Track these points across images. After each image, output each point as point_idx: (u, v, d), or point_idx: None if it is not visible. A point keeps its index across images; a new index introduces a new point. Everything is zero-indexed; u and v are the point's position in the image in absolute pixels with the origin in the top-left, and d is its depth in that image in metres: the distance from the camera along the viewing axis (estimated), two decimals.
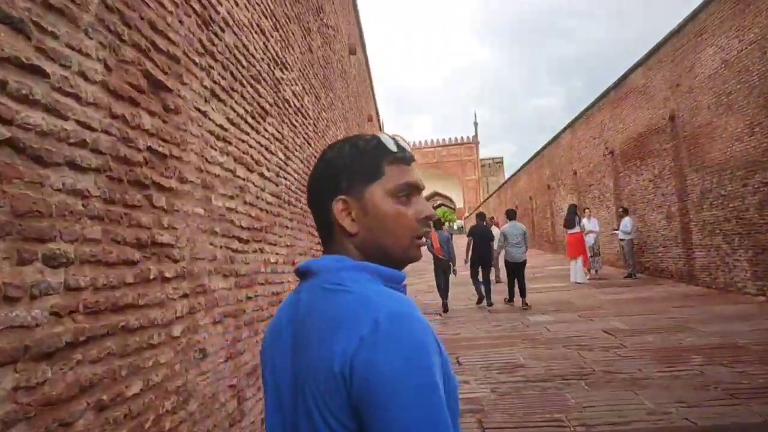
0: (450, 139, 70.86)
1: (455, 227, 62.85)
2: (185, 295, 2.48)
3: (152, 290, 2.17)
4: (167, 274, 2.30)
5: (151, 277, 2.15)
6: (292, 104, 5.14)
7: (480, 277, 10.02)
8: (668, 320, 7.41)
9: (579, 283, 12.05)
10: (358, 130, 12.02)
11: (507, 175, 61.84)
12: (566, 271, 15.09)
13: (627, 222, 12.40)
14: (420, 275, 16.11)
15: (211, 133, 2.95)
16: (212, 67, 3.01)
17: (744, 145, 8.64)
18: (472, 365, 5.74)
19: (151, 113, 2.24)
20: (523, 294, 9.53)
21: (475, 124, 71.87)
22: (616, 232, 12.56)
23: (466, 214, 61.70)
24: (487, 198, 44.96)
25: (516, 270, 9.78)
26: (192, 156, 2.66)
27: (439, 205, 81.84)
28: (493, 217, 16.41)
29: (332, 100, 8.30)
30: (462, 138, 70.83)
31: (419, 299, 11.20)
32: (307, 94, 6.04)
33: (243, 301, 3.35)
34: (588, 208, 13.29)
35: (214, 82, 3.04)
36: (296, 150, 5.26)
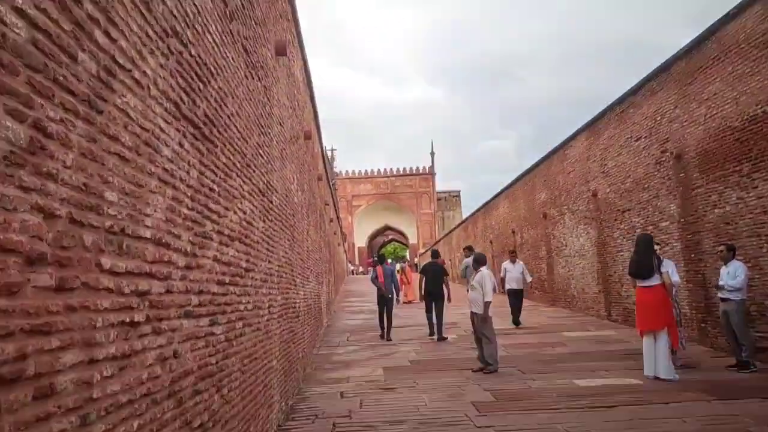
0: (405, 169, 65.82)
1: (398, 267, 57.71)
2: None
3: None
4: None
5: None
6: None
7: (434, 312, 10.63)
8: None
9: (664, 380, 6.54)
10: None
11: (464, 212, 57.04)
12: (602, 338, 9.66)
13: (739, 269, 7.05)
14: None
15: None
16: None
17: None
18: None
19: None
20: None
21: (432, 153, 67.19)
22: (722, 285, 7.14)
23: (421, 251, 56.24)
24: (450, 232, 39.58)
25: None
26: None
27: (390, 241, 76.28)
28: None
29: None
30: (418, 168, 65.89)
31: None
32: None
33: None
34: (659, 243, 7.96)
35: None
36: None
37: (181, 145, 2.65)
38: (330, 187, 21.01)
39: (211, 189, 3.17)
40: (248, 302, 4.10)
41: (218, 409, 3.18)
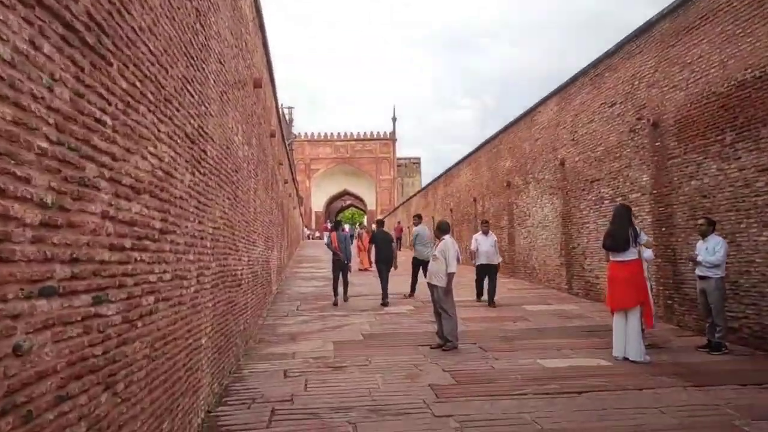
0: (366, 133, 64.48)
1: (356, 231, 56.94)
2: None
3: None
4: None
5: None
6: None
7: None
8: None
9: (635, 362, 6.09)
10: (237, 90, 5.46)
11: (424, 179, 56.33)
12: (564, 313, 9.23)
13: (718, 244, 6.61)
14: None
15: None
16: None
17: None
18: None
19: None
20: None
21: (394, 119, 65.96)
22: (700, 261, 6.69)
23: (379, 217, 55.50)
24: (409, 199, 38.95)
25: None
26: None
27: (349, 206, 75.22)
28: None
29: None
30: (379, 133, 64.66)
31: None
32: None
33: None
34: (636, 216, 7.46)
35: None
36: None
37: (33, 44, 1.80)
38: (285, 146, 19.96)
39: (98, 119, 2.32)
40: (164, 271, 3.30)
41: (108, 411, 2.42)
